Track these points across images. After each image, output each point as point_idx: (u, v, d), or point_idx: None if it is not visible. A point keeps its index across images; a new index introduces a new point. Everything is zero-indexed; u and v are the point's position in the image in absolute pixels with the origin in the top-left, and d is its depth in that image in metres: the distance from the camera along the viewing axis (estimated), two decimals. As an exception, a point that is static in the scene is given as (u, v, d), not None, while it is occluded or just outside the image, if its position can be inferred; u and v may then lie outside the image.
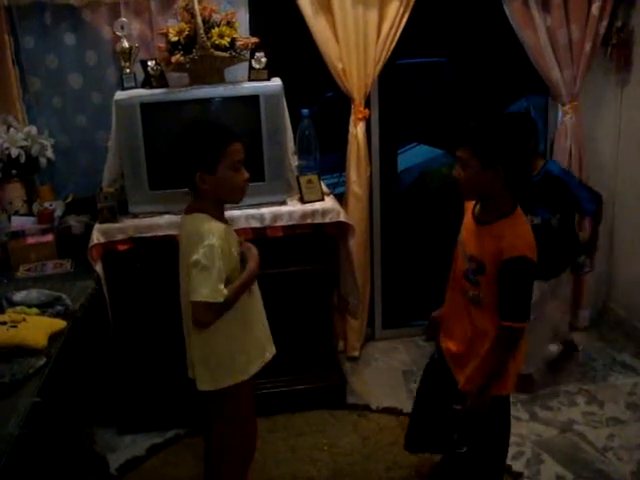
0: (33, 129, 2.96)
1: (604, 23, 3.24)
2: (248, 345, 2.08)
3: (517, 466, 2.63)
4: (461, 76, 4.50)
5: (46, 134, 3.02)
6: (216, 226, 1.99)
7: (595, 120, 3.47)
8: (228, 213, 2.64)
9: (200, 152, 1.98)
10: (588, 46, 3.23)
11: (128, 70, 2.76)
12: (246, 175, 2.05)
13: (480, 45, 4.31)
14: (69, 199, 3.02)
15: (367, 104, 3.24)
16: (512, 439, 2.73)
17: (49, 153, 3.00)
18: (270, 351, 2.19)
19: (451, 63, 4.57)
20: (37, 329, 1.98)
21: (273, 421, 2.88)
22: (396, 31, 3.11)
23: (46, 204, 2.96)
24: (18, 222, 2.87)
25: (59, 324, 2.10)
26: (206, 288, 1.92)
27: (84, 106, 3.07)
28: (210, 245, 1.92)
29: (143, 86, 2.75)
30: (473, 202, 2.12)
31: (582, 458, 2.66)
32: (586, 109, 3.39)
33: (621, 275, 3.67)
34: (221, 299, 1.93)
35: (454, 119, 4.25)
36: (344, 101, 3.20)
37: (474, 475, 2.26)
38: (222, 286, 1.94)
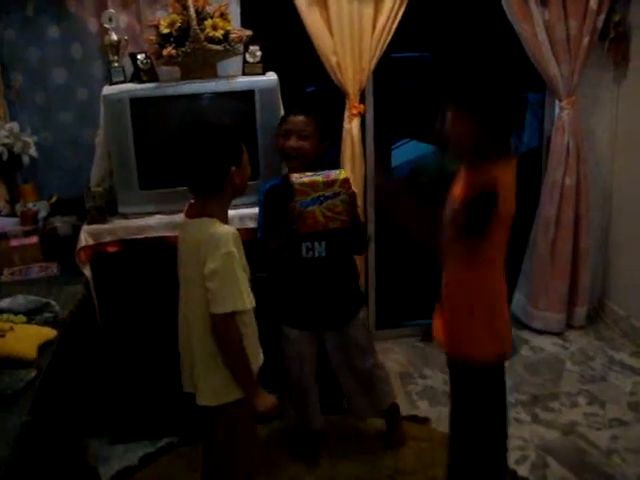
0: (15, 126, 2.84)
1: (602, 17, 3.17)
2: (251, 356, 1.99)
3: (522, 471, 2.57)
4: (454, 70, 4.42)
5: (29, 131, 2.89)
6: (228, 230, 1.90)
7: (592, 116, 3.42)
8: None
9: (230, 147, 1.92)
10: (586, 40, 3.16)
11: (116, 64, 2.64)
12: None
13: (474, 39, 4.23)
14: (53, 199, 2.90)
15: (362, 99, 3.15)
16: (515, 443, 2.71)
17: (32, 151, 2.87)
18: (261, 358, 2.09)
19: (444, 57, 4.49)
20: (26, 339, 1.88)
21: (270, 428, 2.79)
22: (392, 24, 3.02)
23: (29, 204, 2.84)
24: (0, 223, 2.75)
25: (49, 333, 1.99)
26: (232, 297, 1.85)
27: (69, 102, 2.96)
28: (228, 252, 1.85)
29: (132, 81, 2.64)
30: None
31: (587, 461, 2.60)
32: (583, 104, 3.33)
33: (617, 271, 3.63)
34: (249, 306, 1.88)
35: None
36: (335, 96, 3.11)
37: (468, 460, 2.11)
38: (248, 292, 1.90)
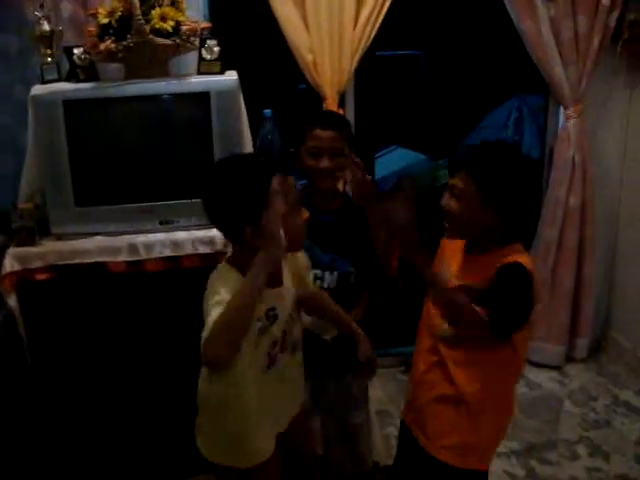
0: (-60, 127, 2.48)
1: (615, 15, 2.82)
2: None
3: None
4: (446, 71, 4.05)
5: (-40, 133, 2.54)
6: (232, 277, 1.55)
7: (601, 126, 3.05)
8: (173, 235, 2.25)
9: (242, 204, 1.52)
10: (596, 41, 2.81)
11: (50, 59, 2.26)
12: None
13: (467, 35, 3.87)
14: (-14, 212, 2.53)
15: (341, 102, 2.79)
16: (508, 504, 2.37)
17: (-38, 156, 2.52)
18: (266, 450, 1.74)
19: (435, 56, 4.11)
20: None
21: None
22: (377, 17, 2.67)
23: (-45, 218, 2.47)
24: None
25: None
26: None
27: (5, 101, 2.57)
28: (218, 302, 1.48)
29: (68, 79, 2.26)
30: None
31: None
32: (591, 113, 2.97)
33: (623, 299, 3.28)
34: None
35: (437, 120, 3.86)
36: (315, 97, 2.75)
37: None
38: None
